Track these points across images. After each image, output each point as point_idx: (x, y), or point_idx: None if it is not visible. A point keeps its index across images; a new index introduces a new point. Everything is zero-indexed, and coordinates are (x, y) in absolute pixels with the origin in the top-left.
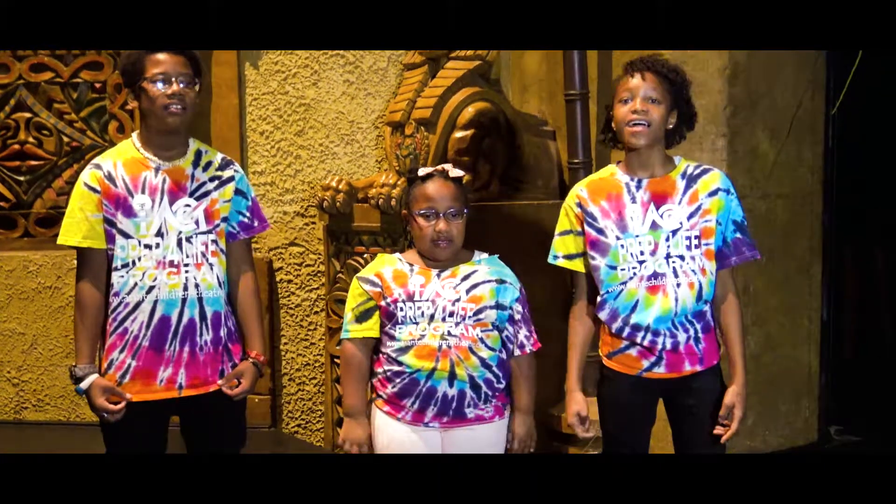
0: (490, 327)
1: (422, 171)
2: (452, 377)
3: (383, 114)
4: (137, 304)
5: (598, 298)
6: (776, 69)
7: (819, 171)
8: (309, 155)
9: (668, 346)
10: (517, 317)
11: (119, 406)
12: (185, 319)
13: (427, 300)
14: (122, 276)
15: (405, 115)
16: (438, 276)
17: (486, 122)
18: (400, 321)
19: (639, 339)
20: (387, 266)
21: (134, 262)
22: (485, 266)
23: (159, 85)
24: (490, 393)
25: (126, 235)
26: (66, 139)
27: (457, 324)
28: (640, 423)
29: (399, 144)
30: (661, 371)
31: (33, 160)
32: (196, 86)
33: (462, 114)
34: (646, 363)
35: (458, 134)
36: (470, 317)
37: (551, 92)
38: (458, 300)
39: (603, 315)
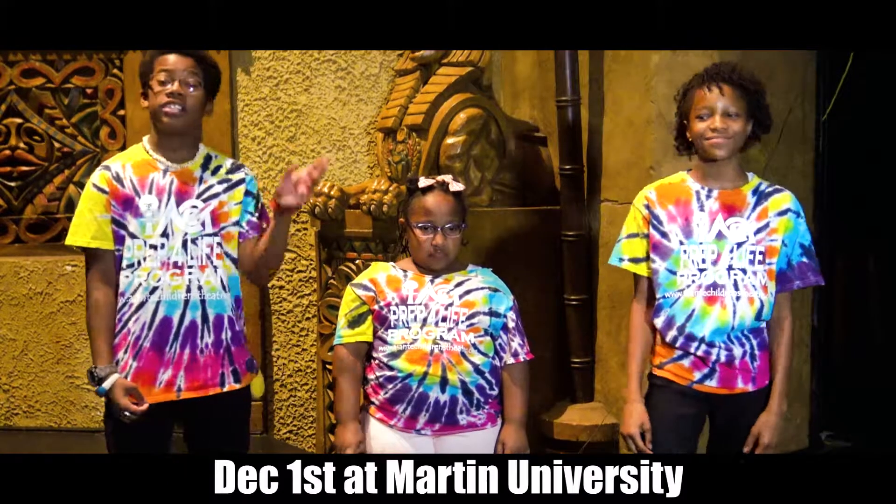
0: (483, 333)
1: (422, 183)
2: (444, 382)
3: (375, 120)
4: (141, 305)
5: (655, 303)
6: (766, 75)
7: (810, 177)
8: (301, 161)
9: (723, 358)
10: (511, 325)
11: (143, 407)
12: (186, 321)
13: (420, 304)
14: (128, 277)
15: (397, 121)
16: (432, 281)
17: (478, 128)
18: (392, 325)
19: (692, 349)
20: (380, 272)
21: (139, 263)
22: (479, 275)
23: (161, 84)
24: (482, 399)
25: (133, 236)
26: (57, 145)
27: (449, 329)
28: (686, 435)
29: (391, 150)
30: (712, 384)
31: (24, 166)
32: (201, 89)
33: (454, 120)
34: (698, 374)
35: (450, 140)
36: (463, 321)
37: (543, 98)
38: (450, 305)
39: (658, 322)
